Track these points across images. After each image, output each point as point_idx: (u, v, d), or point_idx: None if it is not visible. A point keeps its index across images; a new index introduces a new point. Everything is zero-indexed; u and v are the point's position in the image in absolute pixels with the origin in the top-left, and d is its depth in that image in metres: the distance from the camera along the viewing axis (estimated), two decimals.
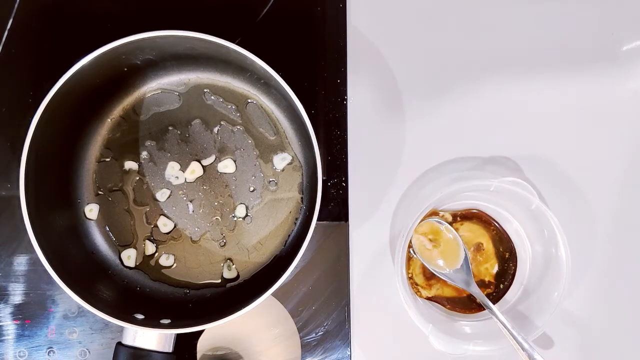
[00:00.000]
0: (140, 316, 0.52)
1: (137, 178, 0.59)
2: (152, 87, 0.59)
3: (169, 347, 0.52)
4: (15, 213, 0.59)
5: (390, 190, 0.62)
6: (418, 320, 0.55)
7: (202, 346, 0.58)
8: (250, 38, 0.61)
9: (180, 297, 0.58)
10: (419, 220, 0.57)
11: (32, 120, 0.49)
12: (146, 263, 0.58)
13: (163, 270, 0.58)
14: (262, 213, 0.59)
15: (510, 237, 0.61)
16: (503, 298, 0.61)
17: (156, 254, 0.58)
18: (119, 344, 0.52)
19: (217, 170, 0.59)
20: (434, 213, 0.61)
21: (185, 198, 0.59)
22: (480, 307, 0.60)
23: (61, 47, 0.60)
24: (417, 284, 0.61)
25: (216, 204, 0.59)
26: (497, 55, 0.63)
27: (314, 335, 0.59)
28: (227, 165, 0.59)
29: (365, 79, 0.62)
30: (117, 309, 0.51)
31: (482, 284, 0.60)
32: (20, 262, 0.59)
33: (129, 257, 0.58)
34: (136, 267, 0.58)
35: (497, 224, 0.61)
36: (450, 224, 0.60)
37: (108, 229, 0.58)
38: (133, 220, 0.59)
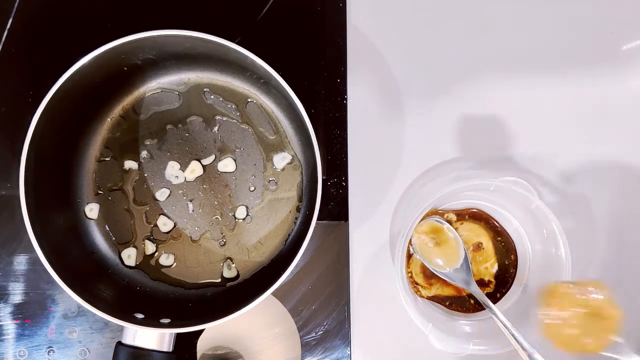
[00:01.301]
0: (140, 315, 0.52)
1: (137, 177, 0.59)
2: (152, 86, 0.59)
3: (168, 347, 0.52)
4: (15, 213, 0.59)
5: (390, 190, 0.62)
6: (418, 320, 0.55)
7: (202, 345, 0.58)
8: (250, 37, 0.61)
9: (180, 296, 0.58)
10: (419, 220, 0.57)
11: (32, 120, 0.49)
12: (146, 262, 0.58)
13: (163, 270, 0.58)
14: (262, 212, 0.59)
15: (510, 236, 0.61)
16: (503, 298, 0.61)
17: (156, 254, 0.58)
18: (119, 343, 0.52)
19: (217, 170, 0.59)
20: (434, 212, 0.61)
21: (185, 197, 0.59)
22: (480, 307, 0.60)
23: (61, 47, 0.60)
24: (417, 284, 0.61)
25: (216, 203, 0.59)
26: (497, 55, 0.63)
27: (313, 334, 0.59)
28: (227, 165, 0.59)
29: (365, 78, 0.62)
30: (117, 309, 0.51)
31: (481, 284, 0.60)
32: (20, 262, 0.59)
33: (129, 256, 0.58)
34: (136, 267, 0.58)
35: (497, 224, 0.61)
36: (450, 223, 0.60)
37: (108, 229, 0.58)
38: (133, 219, 0.59)
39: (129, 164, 0.59)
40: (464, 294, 0.60)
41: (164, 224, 0.59)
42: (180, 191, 0.59)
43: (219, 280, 0.58)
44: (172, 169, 0.59)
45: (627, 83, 0.63)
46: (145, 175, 0.59)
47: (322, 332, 0.59)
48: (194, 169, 0.59)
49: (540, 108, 0.63)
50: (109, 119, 0.59)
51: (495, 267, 0.61)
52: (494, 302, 0.60)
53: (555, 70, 0.63)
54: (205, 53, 0.55)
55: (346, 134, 0.61)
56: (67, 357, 0.58)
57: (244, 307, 0.50)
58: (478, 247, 0.61)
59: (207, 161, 0.59)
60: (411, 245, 0.59)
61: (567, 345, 0.44)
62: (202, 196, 0.59)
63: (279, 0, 0.62)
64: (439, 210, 0.61)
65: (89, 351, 0.58)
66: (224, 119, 0.59)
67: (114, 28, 0.61)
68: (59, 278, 0.49)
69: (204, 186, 0.59)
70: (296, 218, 0.59)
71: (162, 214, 0.59)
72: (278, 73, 0.51)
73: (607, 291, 0.44)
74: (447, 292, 0.61)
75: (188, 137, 0.59)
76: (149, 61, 0.56)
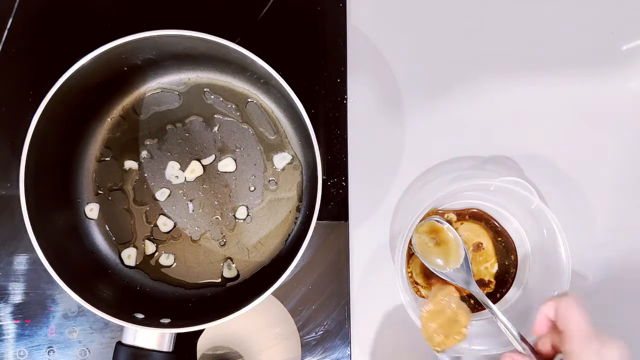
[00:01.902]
0: (140, 315, 0.52)
1: (137, 177, 0.59)
2: (152, 86, 0.59)
3: (169, 347, 0.52)
4: (15, 213, 0.59)
5: (391, 190, 0.62)
6: (417, 320, 0.55)
7: (202, 345, 0.58)
8: (250, 37, 0.61)
9: (180, 296, 0.58)
10: (419, 220, 0.57)
11: (32, 120, 0.49)
12: (146, 262, 0.58)
13: (163, 270, 0.58)
14: (262, 212, 0.59)
15: (510, 236, 0.61)
16: (503, 297, 0.61)
17: (156, 254, 0.58)
18: (119, 343, 0.52)
19: (217, 170, 0.59)
20: (434, 212, 0.61)
21: (185, 197, 0.59)
22: (480, 307, 0.60)
23: (61, 47, 0.60)
24: (417, 284, 0.61)
25: (216, 203, 0.59)
26: (497, 55, 0.63)
27: (314, 334, 0.59)
28: (227, 165, 0.59)
29: (365, 78, 0.62)
30: (117, 309, 0.51)
31: (481, 284, 0.60)
32: (20, 262, 0.59)
33: (129, 256, 0.58)
34: (136, 267, 0.58)
35: (497, 224, 0.61)
36: (450, 223, 0.60)
37: (108, 229, 0.58)
38: (133, 219, 0.59)
39: (129, 164, 0.59)
40: (464, 294, 0.60)
41: (164, 224, 0.59)
42: (180, 191, 0.59)
43: (219, 280, 0.58)
44: (172, 169, 0.59)
45: (627, 83, 0.63)
46: (145, 175, 0.59)
47: (322, 332, 0.59)
48: (194, 169, 0.59)
49: (540, 108, 0.63)
50: (109, 119, 0.59)
51: (495, 267, 0.61)
52: (494, 302, 0.60)
53: (555, 70, 0.63)
54: (205, 53, 0.55)
55: (346, 134, 0.61)
56: (67, 357, 0.58)
57: (244, 307, 0.50)
58: (478, 247, 0.61)
59: (207, 161, 0.59)
60: (411, 245, 0.59)
61: (428, 337, 0.54)
62: (202, 196, 0.59)
63: (279, 0, 0.62)
64: (439, 210, 0.61)
65: (89, 351, 0.58)
66: (224, 118, 0.59)
67: (114, 28, 0.61)
68: (59, 278, 0.49)
69: (204, 186, 0.59)
70: (296, 218, 0.59)
71: (162, 214, 0.59)
72: (278, 73, 0.51)
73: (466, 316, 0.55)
74: None
75: (188, 137, 0.59)
76: (149, 61, 0.56)
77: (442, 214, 0.61)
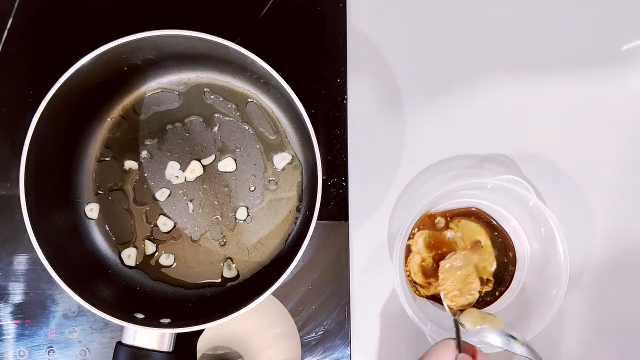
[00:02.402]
0: (140, 315, 0.52)
1: (137, 177, 0.59)
2: (152, 86, 0.59)
3: (169, 347, 0.52)
4: (15, 213, 0.59)
5: (391, 189, 0.62)
6: (417, 319, 0.55)
7: (202, 345, 0.58)
8: (250, 37, 0.61)
9: (180, 296, 0.58)
10: (416, 219, 0.57)
11: (32, 120, 0.49)
12: (146, 262, 0.58)
13: (163, 270, 0.58)
14: (262, 212, 0.59)
15: (509, 234, 0.61)
16: (502, 296, 0.61)
17: (156, 254, 0.58)
18: (119, 343, 0.52)
19: (217, 170, 0.59)
20: (429, 216, 0.60)
21: (185, 197, 0.59)
22: (477, 306, 0.60)
23: (61, 47, 0.60)
24: (415, 283, 0.61)
25: (216, 203, 0.59)
26: (497, 54, 0.63)
27: (314, 334, 0.59)
28: (227, 165, 0.59)
29: (365, 78, 0.62)
30: (117, 309, 0.51)
31: (480, 282, 0.60)
32: (20, 262, 0.59)
33: (129, 256, 0.58)
34: (136, 267, 0.58)
35: (495, 222, 0.61)
36: (447, 222, 0.60)
37: (108, 229, 0.58)
38: (133, 219, 0.59)
39: (129, 164, 0.59)
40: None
41: (164, 224, 0.59)
42: (180, 191, 0.59)
43: (219, 280, 0.59)
44: (172, 169, 0.59)
45: (627, 83, 0.63)
46: (145, 175, 0.59)
47: (322, 332, 0.59)
48: (194, 169, 0.59)
49: (540, 107, 0.63)
50: (109, 119, 0.59)
51: (494, 266, 0.61)
52: (493, 301, 0.60)
53: (555, 70, 0.63)
54: (205, 53, 0.55)
55: (346, 134, 0.61)
56: (67, 357, 0.58)
57: (244, 307, 0.50)
58: (476, 245, 0.61)
59: (207, 161, 0.59)
60: (411, 242, 0.59)
61: (444, 289, 0.58)
62: (202, 196, 0.59)
63: (279, 0, 0.62)
64: (435, 212, 0.61)
65: (89, 351, 0.58)
66: (224, 118, 0.59)
67: (114, 28, 0.61)
68: (59, 278, 0.49)
69: (204, 186, 0.59)
70: (296, 218, 0.59)
71: (162, 214, 0.59)
72: (278, 73, 0.51)
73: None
74: None
75: (188, 137, 0.59)
76: (149, 61, 0.56)
77: (433, 216, 0.60)
